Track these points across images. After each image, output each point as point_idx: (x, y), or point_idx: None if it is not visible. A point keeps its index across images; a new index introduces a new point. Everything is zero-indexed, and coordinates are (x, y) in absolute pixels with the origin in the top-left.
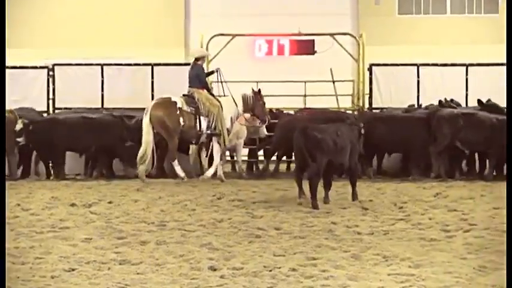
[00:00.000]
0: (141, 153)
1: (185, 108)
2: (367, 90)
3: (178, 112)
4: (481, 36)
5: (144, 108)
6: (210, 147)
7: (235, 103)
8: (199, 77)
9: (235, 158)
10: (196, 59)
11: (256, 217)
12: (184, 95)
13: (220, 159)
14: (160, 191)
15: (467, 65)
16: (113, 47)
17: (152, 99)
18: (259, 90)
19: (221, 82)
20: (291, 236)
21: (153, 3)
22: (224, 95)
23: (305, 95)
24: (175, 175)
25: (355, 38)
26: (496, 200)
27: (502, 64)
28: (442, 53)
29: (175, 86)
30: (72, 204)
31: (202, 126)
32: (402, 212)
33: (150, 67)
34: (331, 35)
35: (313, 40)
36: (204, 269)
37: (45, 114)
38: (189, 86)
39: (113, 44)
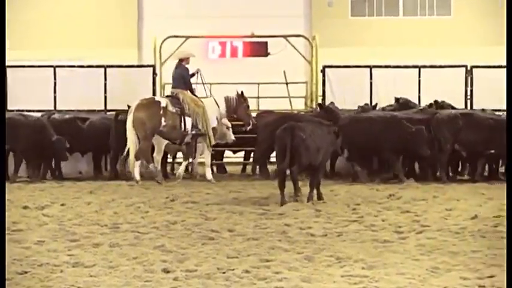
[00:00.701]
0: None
1: (170, 108)
2: (320, 92)
3: (161, 112)
4: (434, 38)
5: (96, 110)
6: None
7: (217, 104)
8: (184, 78)
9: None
10: (181, 60)
11: (209, 219)
12: (168, 96)
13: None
14: (113, 193)
15: (419, 67)
16: (65, 48)
17: (105, 100)
18: (242, 93)
19: (202, 84)
20: (244, 238)
21: (106, 5)
22: (206, 96)
23: (258, 97)
24: (128, 177)
25: (308, 40)
26: (448, 202)
27: (454, 66)
28: (395, 54)
29: (128, 87)
30: (25, 207)
31: (187, 127)
32: (355, 214)
33: (103, 69)
34: (284, 37)
35: (267, 42)
36: (158, 271)
37: None
38: (173, 87)
39: (66, 46)
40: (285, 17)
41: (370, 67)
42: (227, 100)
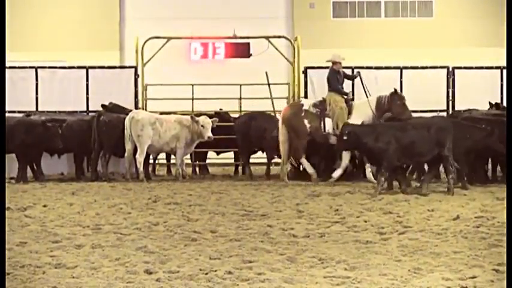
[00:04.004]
0: (282, 156)
1: (311, 109)
2: (302, 93)
3: (303, 114)
4: (416, 39)
5: (78, 112)
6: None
7: (371, 107)
8: (329, 81)
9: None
10: (333, 63)
11: (192, 220)
12: (323, 99)
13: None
14: (95, 195)
15: (401, 68)
16: (48, 50)
17: (87, 102)
18: (395, 90)
19: (363, 86)
20: (226, 239)
21: (88, 7)
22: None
23: (240, 98)
24: (110, 178)
25: (290, 41)
26: (430, 202)
27: (435, 67)
28: (376, 55)
29: (110, 88)
30: (7, 208)
31: (326, 128)
32: (338, 215)
33: (85, 70)
34: (267, 38)
35: (249, 43)
36: (140, 272)
37: None
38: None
39: (48, 48)
40: (267, 19)
41: (352, 68)
42: (379, 100)
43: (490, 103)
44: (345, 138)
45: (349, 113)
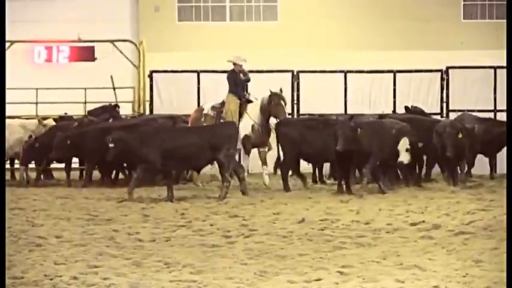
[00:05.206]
0: None
1: (210, 113)
2: (147, 97)
3: (203, 118)
4: (261, 43)
5: None
6: None
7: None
8: (228, 83)
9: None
10: (234, 64)
11: (36, 225)
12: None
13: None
14: None
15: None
16: None
17: None
18: (271, 91)
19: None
20: (71, 244)
21: None
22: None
23: (85, 102)
24: None
25: (135, 44)
26: (275, 206)
27: (281, 71)
28: (222, 59)
29: None
30: None
31: None
32: (184, 219)
33: None
34: (111, 41)
35: (93, 47)
36: None
37: None
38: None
39: None
40: (112, 22)
41: (198, 72)
42: (262, 100)
43: (406, 107)
44: (111, 146)
45: (241, 115)
